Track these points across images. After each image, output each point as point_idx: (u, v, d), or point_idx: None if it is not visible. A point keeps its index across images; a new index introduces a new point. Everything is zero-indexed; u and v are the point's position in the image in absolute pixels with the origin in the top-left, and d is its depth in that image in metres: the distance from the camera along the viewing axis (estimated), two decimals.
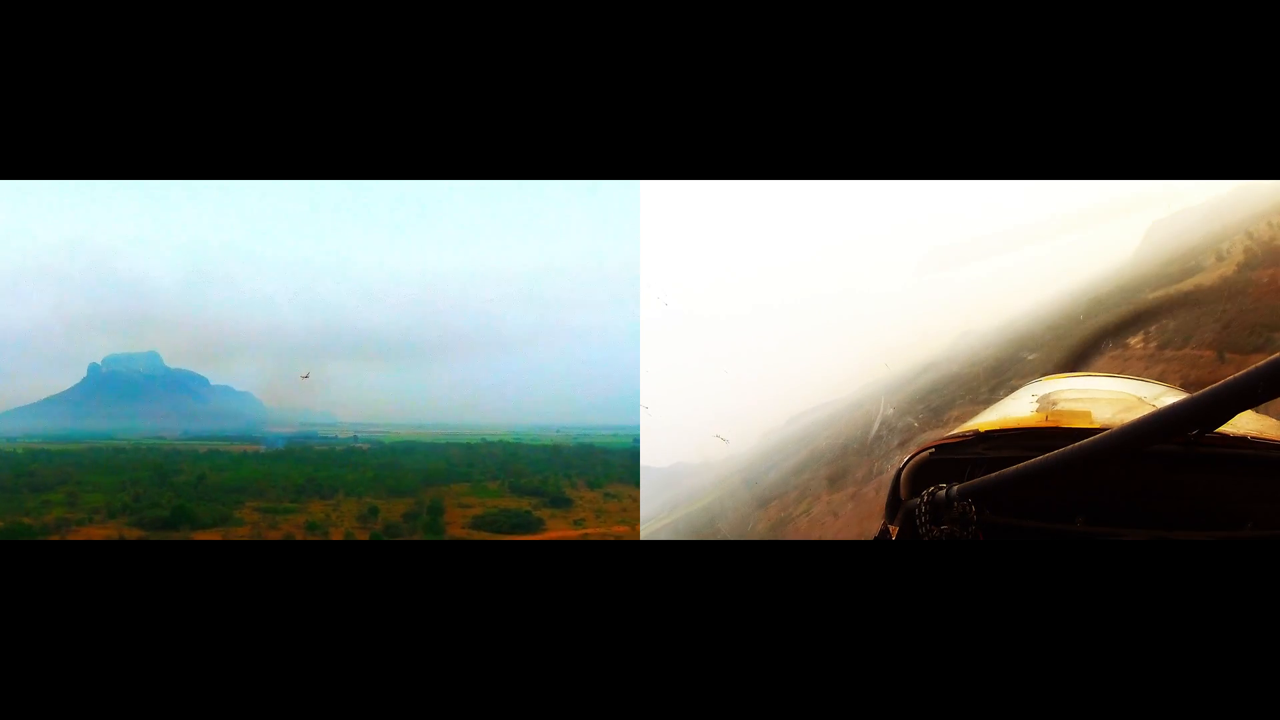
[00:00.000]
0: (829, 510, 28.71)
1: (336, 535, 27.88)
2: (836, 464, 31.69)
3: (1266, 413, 1.86)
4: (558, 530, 29.78)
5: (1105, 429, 1.66)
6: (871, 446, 29.74)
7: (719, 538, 33.69)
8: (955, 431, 2.13)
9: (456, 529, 29.53)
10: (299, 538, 27.11)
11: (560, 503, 33.70)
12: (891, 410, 31.27)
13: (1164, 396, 2.28)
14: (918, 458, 2.08)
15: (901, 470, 2.10)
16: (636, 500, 34.96)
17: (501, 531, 29.28)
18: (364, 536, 27.41)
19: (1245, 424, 1.82)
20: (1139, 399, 2.17)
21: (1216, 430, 1.53)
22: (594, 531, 29.54)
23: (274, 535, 27.65)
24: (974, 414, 2.43)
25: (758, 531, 31.88)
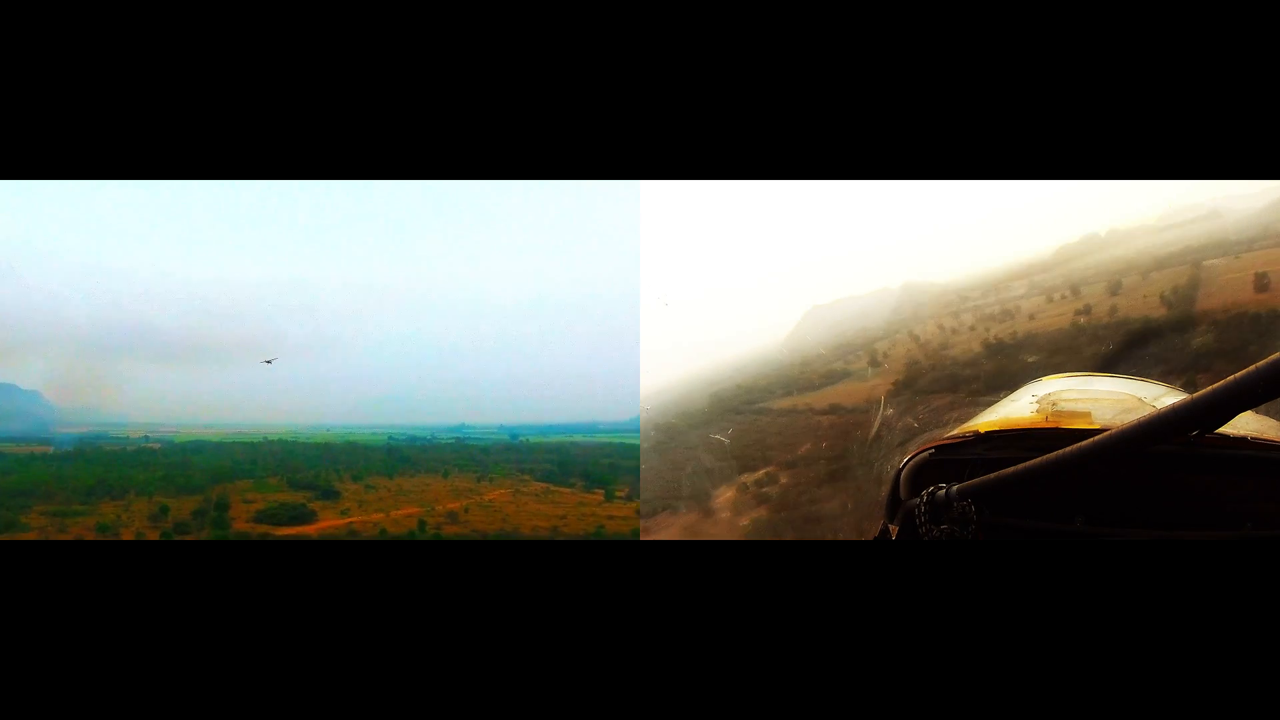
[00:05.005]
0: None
1: (127, 535, 27.86)
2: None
3: (1266, 413, 1.88)
4: (328, 520, 32.04)
5: (1105, 429, 1.65)
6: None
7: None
8: (955, 431, 2.12)
9: (241, 523, 30.76)
10: (89, 538, 26.81)
11: (330, 495, 36.43)
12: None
13: (1164, 397, 2.29)
14: (918, 458, 2.07)
15: (901, 470, 2.10)
16: (391, 491, 38.07)
17: (280, 524, 30.91)
18: (155, 536, 27.64)
19: (1245, 424, 1.81)
20: (1139, 399, 2.16)
21: (1216, 430, 1.50)
22: (357, 520, 31.90)
23: (63, 538, 26.71)
24: (972, 414, 2.43)
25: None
